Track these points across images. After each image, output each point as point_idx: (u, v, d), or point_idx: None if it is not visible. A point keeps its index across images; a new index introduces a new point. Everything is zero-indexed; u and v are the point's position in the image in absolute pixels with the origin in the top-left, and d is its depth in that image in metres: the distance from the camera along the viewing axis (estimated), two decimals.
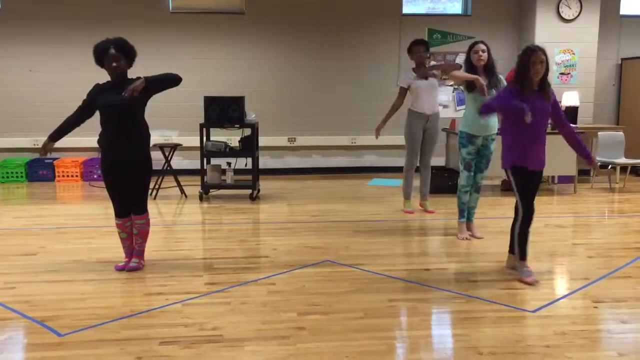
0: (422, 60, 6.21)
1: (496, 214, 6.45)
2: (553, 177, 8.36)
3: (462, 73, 5.18)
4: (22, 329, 3.41)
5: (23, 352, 3.17)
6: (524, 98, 4.09)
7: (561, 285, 4.31)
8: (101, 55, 4.23)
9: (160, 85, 4.32)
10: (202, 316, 3.56)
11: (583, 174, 8.24)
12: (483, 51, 5.11)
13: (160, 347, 3.13)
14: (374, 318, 3.56)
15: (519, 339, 3.28)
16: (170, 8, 8.82)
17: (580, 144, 4.33)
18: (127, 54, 4.28)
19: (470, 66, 5.15)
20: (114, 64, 4.20)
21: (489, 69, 5.14)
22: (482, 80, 4.99)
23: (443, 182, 7.48)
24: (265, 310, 3.68)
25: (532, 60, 4.09)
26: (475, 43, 5.16)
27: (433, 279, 4.28)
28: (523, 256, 4.28)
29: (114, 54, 4.19)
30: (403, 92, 6.29)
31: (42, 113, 8.48)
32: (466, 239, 5.32)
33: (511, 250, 4.47)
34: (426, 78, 6.16)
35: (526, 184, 4.21)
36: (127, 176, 4.29)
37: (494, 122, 5.16)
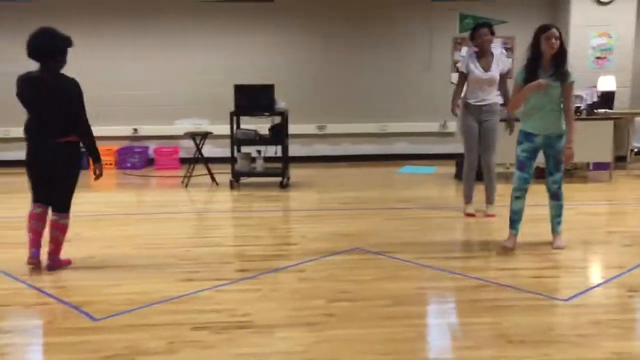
0: (486, 46, 5.56)
1: (529, 201, 6.33)
2: (588, 163, 8.19)
3: (525, 90, 4.44)
4: (58, 314, 3.50)
5: (59, 335, 3.25)
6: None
7: (595, 273, 4.24)
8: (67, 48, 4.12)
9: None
10: (233, 302, 3.60)
11: (619, 160, 8.05)
12: (556, 38, 4.33)
13: (192, 333, 3.19)
14: (403, 305, 3.55)
15: (550, 327, 3.24)
16: None
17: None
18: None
19: (536, 53, 4.40)
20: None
21: (558, 57, 4.37)
22: (542, 80, 4.37)
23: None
24: (295, 297, 3.71)
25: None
26: (547, 27, 4.35)
27: (463, 266, 4.25)
28: None
29: None
30: (462, 77, 5.66)
31: None
32: (509, 248, 4.61)
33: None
34: (487, 70, 5.54)
35: None
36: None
37: (555, 119, 4.47)
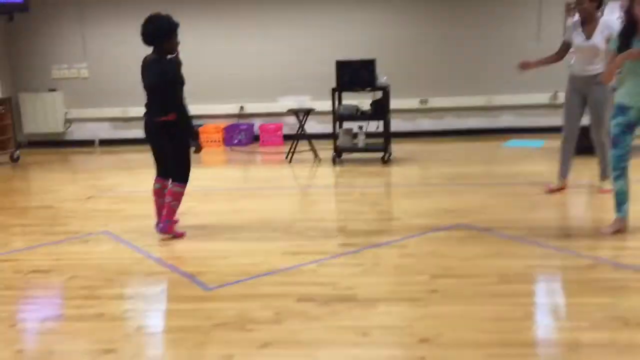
0: (585, 12, 5.16)
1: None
2: None
3: (619, 59, 4.08)
4: (174, 283, 3.74)
5: (176, 303, 3.48)
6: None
7: None
8: (173, 31, 4.36)
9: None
10: (336, 276, 3.67)
11: None
12: None
13: (297, 304, 3.29)
14: (510, 283, 3.46)
15: None
16: None
17: None
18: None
19: (630, 19, 4.07)
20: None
21: None
22: (635, 49, 4.03)
23: (588, 142, 6.96)
24: (398, 272, 3.72)
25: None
26: None
27: (575, 245, 4.05)
28: None
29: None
30: (563, 46, 5.41)
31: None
32: (611, 233, 4.26)
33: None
34: (589, 38, 5.19)
35: None
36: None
37: None
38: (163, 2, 9.44)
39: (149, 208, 4.72)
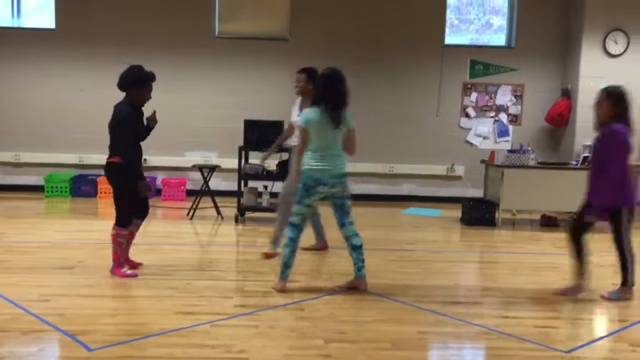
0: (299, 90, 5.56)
1: (535, 249, 6.30)
2: None
3: None
4: (54, 342, 3.48)
5: None
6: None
7: (599, 326, 4.17)
8: (141, 82, 4.71)
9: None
10: (230, 338, 3.56)
11: None
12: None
13: None
14: (402, 350, 3.50)
15: None
16: (217, 32, 9.04)
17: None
18: None
19: None
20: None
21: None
22: None
23: (481, 214, 7.37)
24: (292, 335, 3.67)
25: None
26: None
27: (465, 312, 4.19)
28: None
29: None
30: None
31: (88, 130, 8.78)
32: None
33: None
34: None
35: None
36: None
37: None
38: (71, 45, 9.22)
39: (34, 259, 4.43)
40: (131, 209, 4.76)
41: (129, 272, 4.76)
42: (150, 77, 4.74)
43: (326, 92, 4.35)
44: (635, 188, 4.49)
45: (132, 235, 4.89)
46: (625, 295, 4.56)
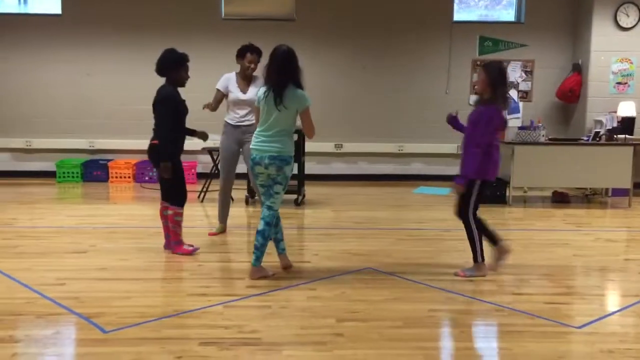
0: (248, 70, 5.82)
1: (546, 225, 6.28)
2: (607, 189, 8.09)
3: None
4: (69, 324, 3.53)
5: (69, 346, 3.28)
6: None
7: (610, 301, 4.16)
8: (178, 63, 4.82)
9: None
10: (242, 319, 3.60)
11: (638, 187, 7.93)
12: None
13: (200, 348, 3.18)
14: (414, 328, 3.52)
15: (561, 355, 3.18)
16: (223, 14, 8.99)
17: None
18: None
19: None
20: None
21: None
22: None
23: (491, 192, 7.34)
24: (304, 315, 3.70)
25: None
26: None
27: (476, 290, 4.20)
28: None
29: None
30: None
31: (98, 115, 8.82)
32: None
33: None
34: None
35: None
36: None
37: None
38: (78, 34, 9.22)
39: (47, 244, 4.47)
40: (185, 187, 5.03)
41: (191, 247, 4.95)
42: (185, 58, 4.85)
43: (267, 71, 4.27)
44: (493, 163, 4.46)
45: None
46: (478, 272, 4.50)
